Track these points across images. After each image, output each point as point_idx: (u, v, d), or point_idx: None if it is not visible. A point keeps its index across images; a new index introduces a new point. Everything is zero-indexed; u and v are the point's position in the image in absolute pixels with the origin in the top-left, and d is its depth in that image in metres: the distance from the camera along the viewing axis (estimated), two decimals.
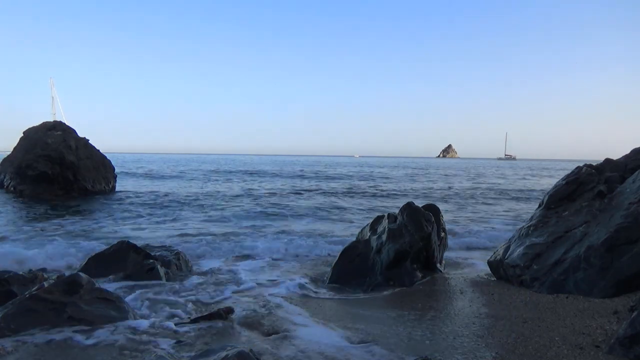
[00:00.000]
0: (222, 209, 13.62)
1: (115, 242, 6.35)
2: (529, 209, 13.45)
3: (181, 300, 5.02)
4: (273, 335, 3.73)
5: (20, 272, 5.05)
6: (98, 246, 7.36)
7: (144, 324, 4.12)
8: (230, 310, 4.32)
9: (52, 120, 20.52)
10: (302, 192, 20.39)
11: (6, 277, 4.58)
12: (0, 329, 3.56)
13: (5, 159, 18.32)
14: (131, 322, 3.99)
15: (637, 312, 3.11)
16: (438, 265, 6.23)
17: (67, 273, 5.27)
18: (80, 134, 18.58)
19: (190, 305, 4.82)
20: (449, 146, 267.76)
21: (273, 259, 7.32)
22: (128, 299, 4.73)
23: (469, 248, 8.41)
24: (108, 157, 19.60)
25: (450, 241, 7.70)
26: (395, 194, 20.42)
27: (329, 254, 7.53)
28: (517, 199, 18.97)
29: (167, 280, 5.71)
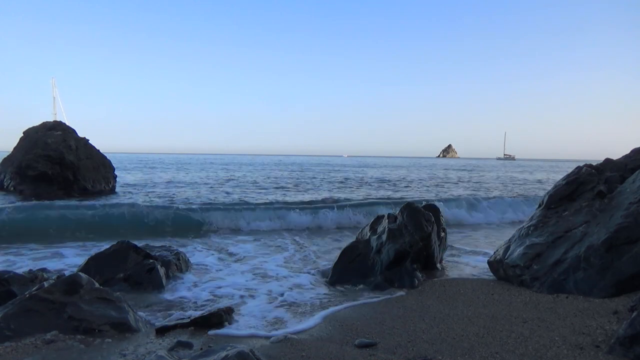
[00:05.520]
0: None
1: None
2: None
3: (181, 299, 5.03)
4: (273, 336, 3.73)
5: (20, 272, 5.05)
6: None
7: (143, 323, 4.13)
8: (230, 310, 4.33)
9: (52, 120, 20.54)
10: None
11: (6, 277, 4.58)
12: (0, 329, 3.56)
13: (5, 159, 18.32)
14: (131, 322, 3.99)
15: (637, 312, 3.11)
16: (438, 265, 6.24)
17: (67, 273, 5.27)
18: (80, 134, 18.60)
19: (190, 304, 4.82)
20: (449, 146, 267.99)
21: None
22: (128, 298, 4.73)
23: (469, 248, 8.40)
24: (108, 157, 19.62)
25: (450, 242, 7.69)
26: None
27: None
28: None
29: (167, 280, 5.71)
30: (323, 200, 14.26)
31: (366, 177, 31.72)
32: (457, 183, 27.68)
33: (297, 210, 11.45)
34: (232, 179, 27.63)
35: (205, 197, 16.78)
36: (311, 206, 12.26)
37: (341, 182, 26.52)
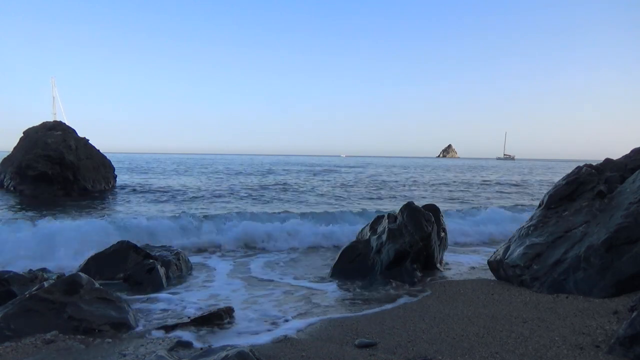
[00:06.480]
0: None
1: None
2: None
3: (181, 300, 5.03)
4: (273, 335, 3.73)
5: (21, 272, 5.05)
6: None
7: (143, 323, 4.13)
8: (230, 310, 4.33)
9: (52, 120, 20.54)
10: None
11: (6, 277, 4.58)
12: (0, 329, 3.56)
13: (5, 159, 18.32)
14: (131, 322, 3.99)
15: (637, 312, 3.11)
16: (438, 265, 6.23)
17: (67, 273, 5.27)
18: (80, 134, 18.61)
19: (190, 304, 4.82)
20: (449, 146, 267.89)
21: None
22: (128, 298, 4.73)
23: (469, 248, 8.40)
24: (108, 157, 19.63)
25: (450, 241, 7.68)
26: None
27: None
28: None
29: (167, 280, 5.71)
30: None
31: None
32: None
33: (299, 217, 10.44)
34: (233, 180, 27.64)
35: (212, 200, 16.73)
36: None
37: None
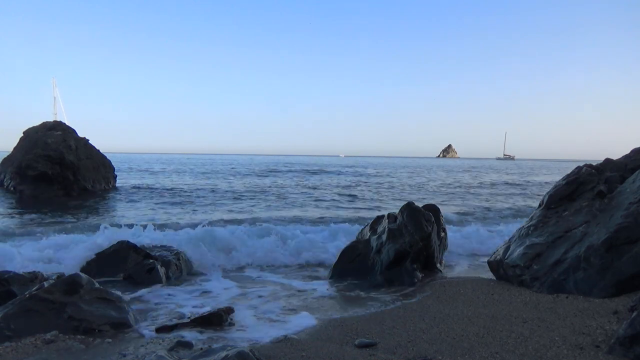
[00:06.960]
0: None
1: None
2: None
3: (181, 300, 5.03)
4: (273, 335, 3.73)
5: (21, 272, 5.05)
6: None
7: (143, 324, 4.13)
8: (230, 310, 4.33)
9: (53, 120, 20.55)
10: None
11: (6, 277, 4.58)
12: (0, 329, 3.56)
13: (5, 159, 18.32)
14: (131, 322, 3.99)
15: (637, 312, 3.11)
16: (438, 265, 6.23)
17: (67, 273, 5.27)
18: (80, 134, 18.62)
19: (190, 304, 4.82)
20: (449, 146, 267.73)
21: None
22: (128, 298, 4.73)
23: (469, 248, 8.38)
24: (108, 157, 19.64)
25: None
26: None
27: None
28: None
29: (167, 280, 5.71)
30: None
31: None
32: None
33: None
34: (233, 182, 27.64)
35: (212, 201, 16.72)
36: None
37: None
